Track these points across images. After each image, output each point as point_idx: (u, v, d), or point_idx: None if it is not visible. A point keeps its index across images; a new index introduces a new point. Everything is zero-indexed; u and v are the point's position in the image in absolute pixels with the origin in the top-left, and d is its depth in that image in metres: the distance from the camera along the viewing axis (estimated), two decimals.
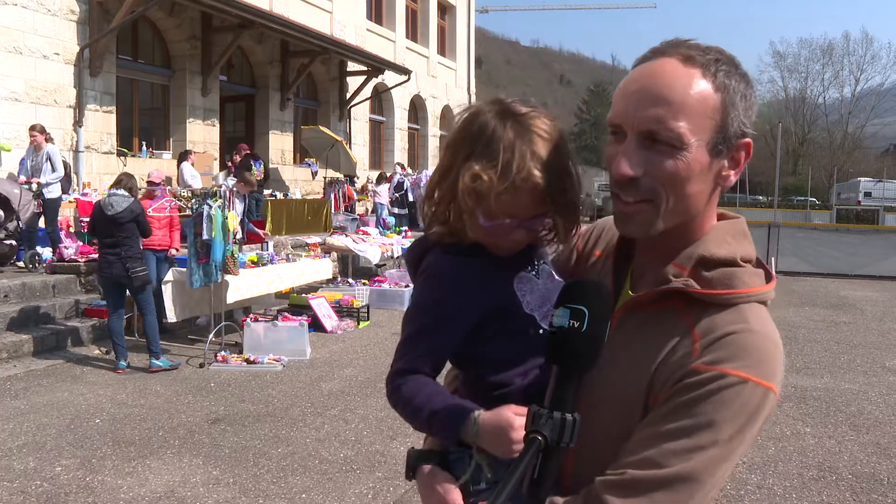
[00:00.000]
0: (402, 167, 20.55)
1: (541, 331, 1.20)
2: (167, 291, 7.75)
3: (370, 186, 18.94)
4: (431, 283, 1.24)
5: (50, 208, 9.53)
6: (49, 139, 9.80)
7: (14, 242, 9.22)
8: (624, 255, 1.24)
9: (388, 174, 18.98)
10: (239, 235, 9.18)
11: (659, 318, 1.11)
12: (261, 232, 11.11)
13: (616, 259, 1.24)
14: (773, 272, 1.17)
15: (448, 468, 1.28)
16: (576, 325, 1.01)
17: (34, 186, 9.26)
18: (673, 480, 1.01)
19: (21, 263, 9.20)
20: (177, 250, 8.10)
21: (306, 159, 18.96)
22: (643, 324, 1.12)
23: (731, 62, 1.10)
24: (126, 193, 7.13)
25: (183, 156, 13.39)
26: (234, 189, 9.83)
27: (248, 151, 14.41)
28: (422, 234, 1.33)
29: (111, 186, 7.36)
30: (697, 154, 1.06)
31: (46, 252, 9.46)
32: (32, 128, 9.70)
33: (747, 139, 1.11)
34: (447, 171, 1.20)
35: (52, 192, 9.56)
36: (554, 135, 1.17)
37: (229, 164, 14.08)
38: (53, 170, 9.52)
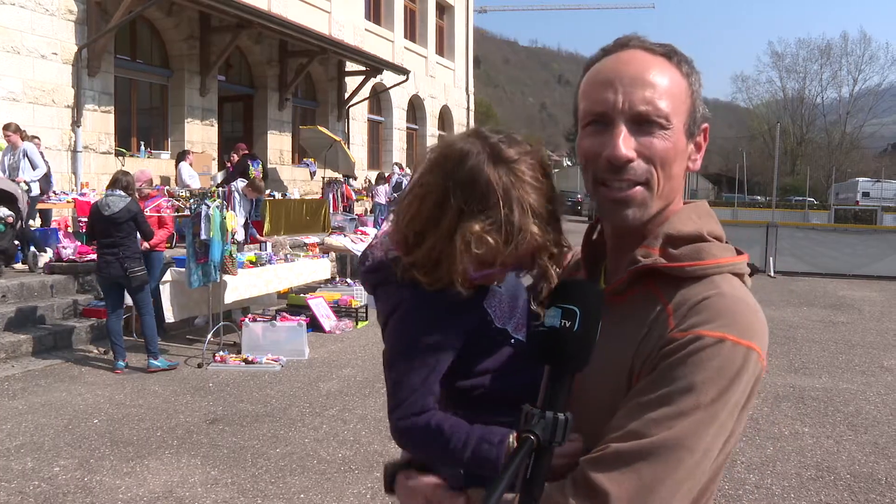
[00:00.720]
0: (401, 167, 20.54)
1: (512, 340, 1.23)
2: (165, 291, 7.75)
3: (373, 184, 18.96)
4: (411, 320, 1.22)
5: (30, 206, 9.49)
6: (25, 137, 9.78)
7: (17, 241, 9.22)
8: (593, 260, 1.26)
9: (387, 174, 18.99)
10: (239, 236, 9.19)
11: (634, 303, 1.12)
12: (259, 237, 11.11)
13: (586, 263, 1.26)
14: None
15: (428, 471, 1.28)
16: (567, 325, 1.00)
17: (22, 185, 9.24)
18: (657, 448, 0.98)
19: (18, 265, 9.18)
20: (150, 248, 7.86)
21: (305, 159, 18.95)
22: (621, 312, 1.11)
23: (683, 54, 1.15)
24: (122, 193, 7.12)
25: (181, 156, 13.38)
26: (242, 193, 9.86)
27: (246, 151, 14.40)
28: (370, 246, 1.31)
29: (108, 187, 7.34)
30: (678, 135, 1.10)
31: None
32: (6, 127, 9.68)
33: (706, 125, 1.17)
34: (435, 221, 1.12)
35: (32, 190, 9.53)
36: (542, 178, 1.14)
37: (228, 164, 14.06)
38: (34, 168, 9.50)
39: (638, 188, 1.09)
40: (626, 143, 1.07)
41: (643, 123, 1.08)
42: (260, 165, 14.51)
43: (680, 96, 1.10)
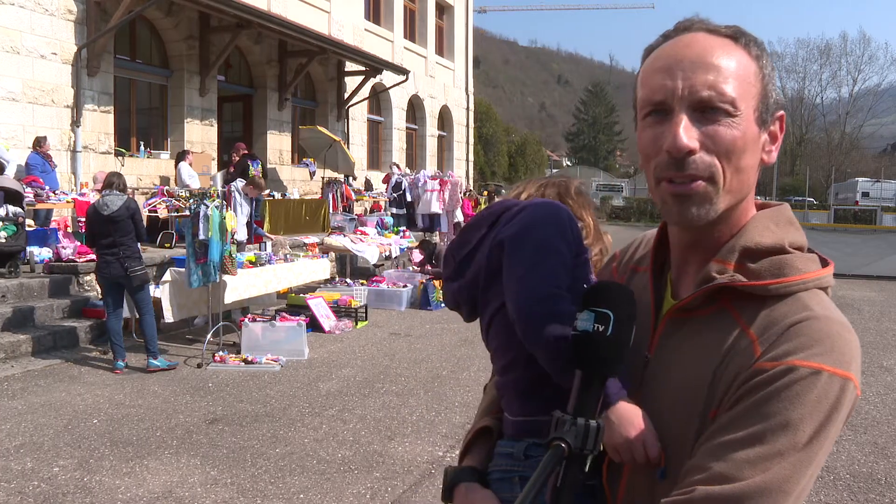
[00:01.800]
0: (398, 166, 20.55)
1: None
2: (165, 291, 7.74)
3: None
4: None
5: None
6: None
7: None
8: (660, 266, 1.17)
9: (385, 174, 18.98)
10: (239, 236, 9.18)
11: (708, 323, 1.03)
12: (265, 235, 11.11)
13: (652, 270, 1.17)
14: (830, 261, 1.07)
15: (487, 488, 1.25)
16: (600, 330, 0.97)
17: None
18: (750, 494, 0.89)
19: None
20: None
21: (304, 159, 18.94)
22: (692, 331, 1.04)
23: (753, 36, 1.06)
24: (119, 192, 7.13)
25: (180, 156, 13.37)
26: (243, 192, 9.85)
27: (246, 151, 14.39)
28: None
29: (102, 189, 7.34)
30: (748, 123, 1.00)
31: (44, 252, 9.42)
32: None
33: (782, 112, 1.07)
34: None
35: None
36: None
37: (230, 166, 14.05)
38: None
39: (700, 182, 0.99)
40: (687, 133, 0.97)
41: (707, 111, 0.98)
42: (259, 165, 14.51)
43: (748, 79, 1.00)
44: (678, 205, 1.01)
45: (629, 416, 1.05)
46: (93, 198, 8.83)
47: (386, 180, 18.23)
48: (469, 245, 1.39)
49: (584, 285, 1.22)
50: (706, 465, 0.93)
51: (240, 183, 10.35)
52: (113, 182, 7.22)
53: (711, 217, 1.01)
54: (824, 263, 1.05)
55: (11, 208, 8.51)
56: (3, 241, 8.45)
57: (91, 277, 8.70)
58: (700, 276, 1.05)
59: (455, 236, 1.47)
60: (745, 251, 1.03)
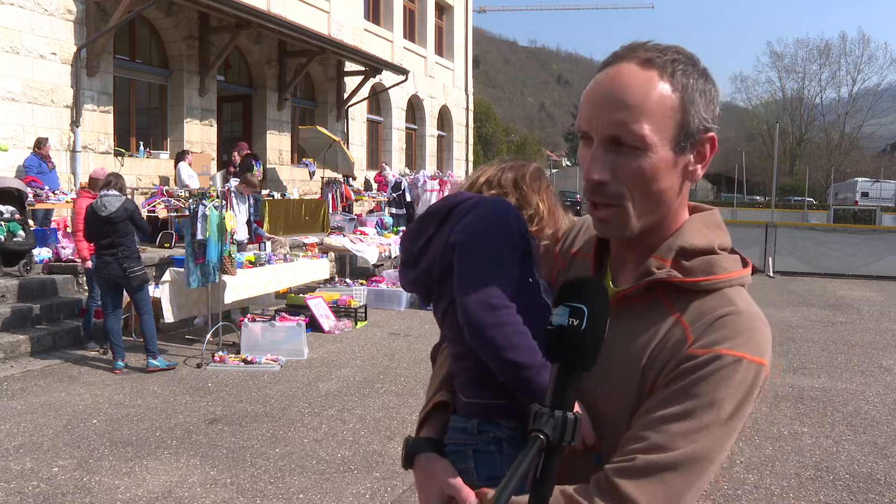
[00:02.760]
0: (388, 166, 20.63)
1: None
2: (165, 291, 7.74)
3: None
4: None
5: None
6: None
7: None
8: (599, 253, 1.30)
9: (376, 173, 18.98)
10: (239, 236, 9.18)
11: (643, 311, 1.16)
12: (265, 235, 11.10)
13: (595, 257, 1.30)
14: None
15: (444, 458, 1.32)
16: (575, 324, 1.00)
17: None
18: (683, 461, 1.04)
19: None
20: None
21: (304, 159, 18.93)
22: (630, 318, 1.16)
23: (689, 61, 1.13)
24: (117, 193, 7.12)
25: (180, 156, 13.37)
26: (237, 190, 9.83)
27: (249, 151, 14.39)
28: None
29: (101, 188, 7.33)
30: (662, 153, 1.10)
31: (44, 252, 9.43)
32: None
33: (711, 133, 1.15)
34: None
35: None
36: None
37: (233, 167, 14.03)
38: None
39: (612, 209, 1.13)
40: (597, 165, 1.10)
41: (617, 144, 1.10)
42: (261, 165, 14.52)
43: (664, 112, 1.09)
44: (598, 223, 1.17)
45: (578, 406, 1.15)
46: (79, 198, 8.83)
47: (378, 179, 18.20)
48: (425, 235, 1.46)
49: (531, 280, 1.36)
50: (644, 435, 1.07)
51: (234, 182, 10.34)
52: (111, 181, 7.21)
53: (628, 235, 1.16)
54: (744, 263, 1.19)
55: (4, 207, 8.51)
56: (20, 239, 8.52)
57: (85, 276, 8.70)
58: (641, 269, 1.18)
59: (412, 224, 1.54)
60: (681, 250, 1.16)
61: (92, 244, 7.36)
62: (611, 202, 1.12)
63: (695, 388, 1.06)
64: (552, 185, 1.59)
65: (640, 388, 1.11)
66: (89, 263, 7.63)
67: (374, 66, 19.08)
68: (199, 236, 7.31)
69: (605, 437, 1.14)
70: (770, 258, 16.34)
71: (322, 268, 10.05)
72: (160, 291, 7.79)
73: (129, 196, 7.80)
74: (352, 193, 17.45)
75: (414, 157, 25.44)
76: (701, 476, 1.06)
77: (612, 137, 1.09)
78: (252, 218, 10.50)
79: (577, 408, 1.11)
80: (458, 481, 1.23)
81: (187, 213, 8.44)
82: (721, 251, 1.17)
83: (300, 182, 18.24)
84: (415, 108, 25.40)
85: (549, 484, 0.95)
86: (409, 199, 17.39)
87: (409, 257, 1.50)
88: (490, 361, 1.28)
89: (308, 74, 18.55)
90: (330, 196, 16.22)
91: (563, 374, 1.01)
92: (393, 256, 12.60)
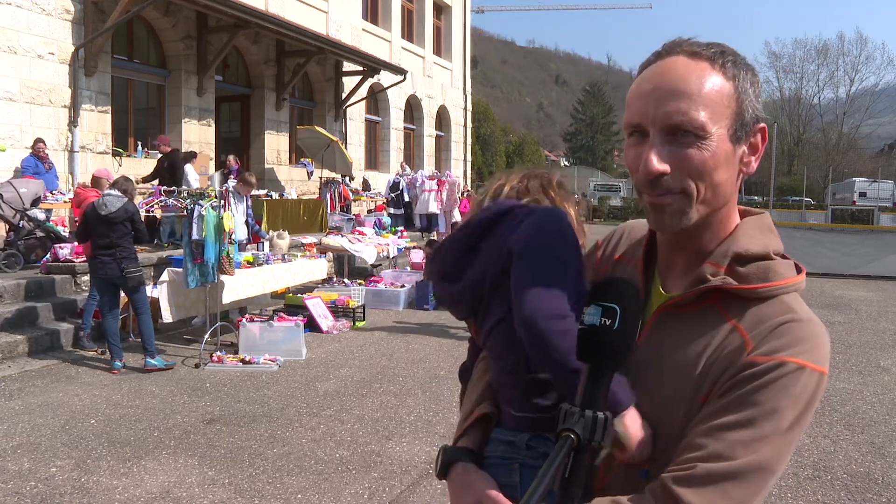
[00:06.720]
0: (404, 166, 20.54)
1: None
2: (163, 291, 7.74)
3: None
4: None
5: None
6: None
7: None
8: (647, 257, 1.27)
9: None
10: (239, 236, 9.17)
11: (698, 317, 1.14)
12: (264, 235, 11.09)
13: (644, 262, 1.27)
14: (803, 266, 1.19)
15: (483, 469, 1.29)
16: (607, 323, 1.00)
17: None
18: (745, 471, 1.02)
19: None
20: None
21: (302, 159, 18.94)
22: (681, 325, 1.14)
23: (734, 53, 1.14)
24: (119, 194, 7.12)
25: (187, 157, 13.21)
26: (234, 190, 9.84)
27: (238, 165, 14.36)
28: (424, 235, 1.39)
29: (108, 188, 7.35)
30: (720, 143, 1.09)
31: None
32: None
33: (762, 124, 1.15)
34: None
35: None
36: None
37: (225, 170, 13.99)
38: None
39: (673, 196, 1.10)
40: (659, 157, 1.08)
41: (678, 134, 1.08)
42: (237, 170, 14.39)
43: (722, 102, 1.09)
44: (654, 213, 1.13)
45: (639, 420, 1.12)
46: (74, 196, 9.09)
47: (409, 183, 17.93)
48: (469, 246, 1.39)
49: (587, 287, 1.28)
50: (703, 443, 1.04)
51: (232, 182, 10.34)
52: (118, 183, 7.25)
53: (685, 225, 1.12)
54: (798, 269, 1.17)
55: (38, 209, 8.75)
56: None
57: (87, 277, 8.69)
58: (694, 275, 1.15)
59: (452, 233, 1.46)
60: (736, 256, 1.14)
61: (88, 244, 7.36)
62: (672, 191, 1.10)
63: (756, 395, 1.04)
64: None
65: (693, 397, 1.09)
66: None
67: (372, 66, 19.09)
68: (195, 236, 7.30)
69: (659, 440, 1.12)
70: None
71: (320, 268, 10.05)
72: (158, 291, 7.78)
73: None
74: (350, 193, 17.44)
75: (412, 157, 25.45)
76: (762, 486, 1.04)
77: (673, 127, 1.07)
78: (249, 219, 10.50)
79: (640, 423, 1.11)
80: (498, 494, 1.20)
81: (184, 213, 8.44)
82: (776, 256, 1.16)
83: (298, 182, 18.24)
84: (413, 109, 25.41)
85: (577, 484, 0.95)
86: (407, 199, 17.38)
87: (451, 269, 1.42)
88: (551, 369, 1.21)
89: (306, 74, 18.55)
90: (328, 196, 16.21)
91: (594, 373, 1.01)
92: (391, 256, 12.60)
